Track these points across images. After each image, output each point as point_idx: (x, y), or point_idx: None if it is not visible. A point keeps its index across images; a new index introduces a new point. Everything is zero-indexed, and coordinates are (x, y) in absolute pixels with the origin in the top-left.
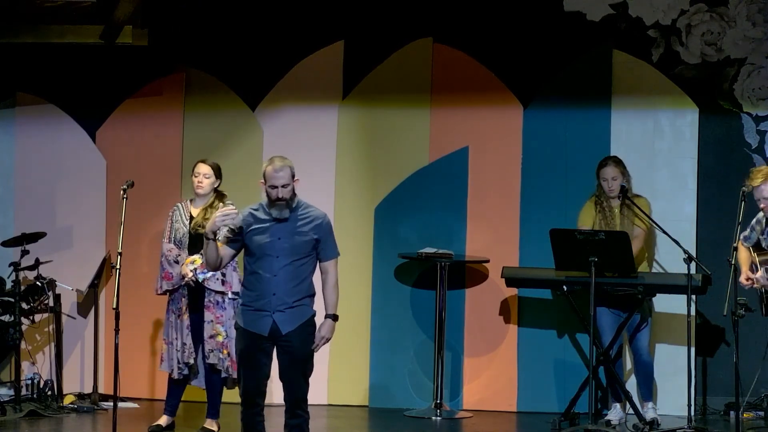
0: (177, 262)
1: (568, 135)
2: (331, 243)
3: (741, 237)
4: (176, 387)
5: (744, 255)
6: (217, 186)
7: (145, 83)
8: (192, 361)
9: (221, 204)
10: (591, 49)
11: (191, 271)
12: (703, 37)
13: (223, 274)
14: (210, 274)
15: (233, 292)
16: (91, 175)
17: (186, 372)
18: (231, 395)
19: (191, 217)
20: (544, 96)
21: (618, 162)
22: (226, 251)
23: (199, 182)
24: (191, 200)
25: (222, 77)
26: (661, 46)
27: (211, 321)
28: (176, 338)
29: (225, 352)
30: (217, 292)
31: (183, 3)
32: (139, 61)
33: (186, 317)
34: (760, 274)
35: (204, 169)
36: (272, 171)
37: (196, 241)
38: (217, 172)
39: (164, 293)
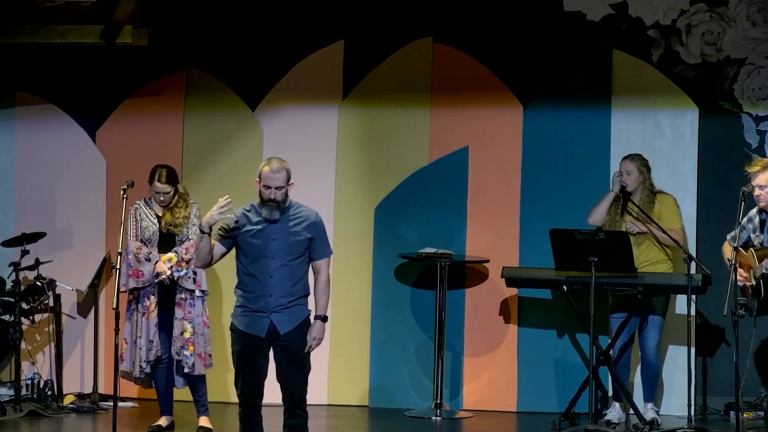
0: (149, 260)
1: (568, 135)
2: (324, 242)
3: (728, 237)
4: (164, 387)
5: (730, 254)
6: (176, 188)
7: (145, 83)
8: (154, 359)
9: (184, 202)
10: (591, 49)
11: (168, 268)
12: (703, 37)
13: (195, 273)
14: (184, 272)
15: (201, 290)
16: (91, 175)
17: (148, 370)
18: (228, 395)
19: (158, 216)
20: (544, 96)
21: (635, 158)
22: (217, 249)
23: (161, 200)
24: (150, 198)
25: (222, 77)
26: (661, 46)
27: (181, 318)
28: (140, 336)
29: (191, 348)
30: (187, 289)
31: (183, 3)
32: (139, 61)
33: (155, 315)
34: (766, 261)
35: (164, 188)
36: (269, 171)
37: (166, 240)
38: (174, 180)
39: (127, 291)
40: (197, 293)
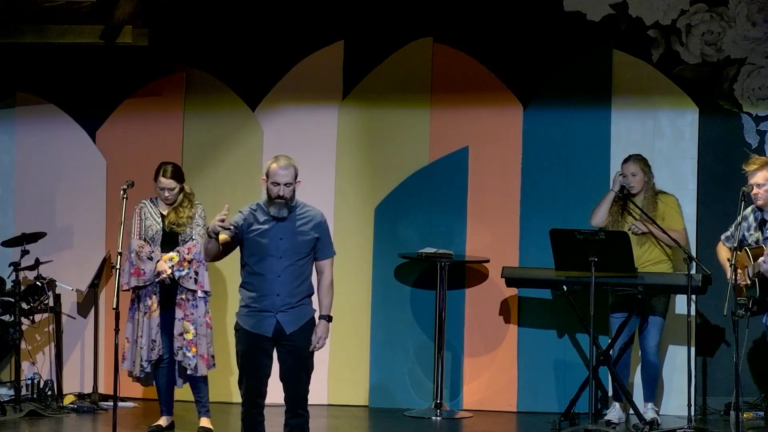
0: (150, 259)
1: (568, 135)
2: (329, 242)
3: (722, 237)
4: (165, 388)
5: (725, 255)
6: (182, 186)
7: (145, 83)
8: (156, 359)
9: (189, 202)
10: (591, 49)
11: (169, 267)
12: (703, 37)
13: (196, 273)
14: (186, 272)
15: (203, 291)
16: (91, 175)
17: (149, 370)
18: (229, 395)
19: (162, 216)
20: (544, 96)
21: (639, 159)
22: (224, 247)
23: (166, 196)
24: (156, 198)
25: (222, 77)
26: (661, 46)
27: (182, 318)
28: (141, 336)
29: (193, 350)
30: (189, 290)
31: (183, 3)
32: (139, 61)
33: (157, 314)
34: (762, 258)
35: (168, 183)
36: (277, 168)
37: (169, 239)
38: (180, 177)
39: (132, 290)
40: (200, 294)
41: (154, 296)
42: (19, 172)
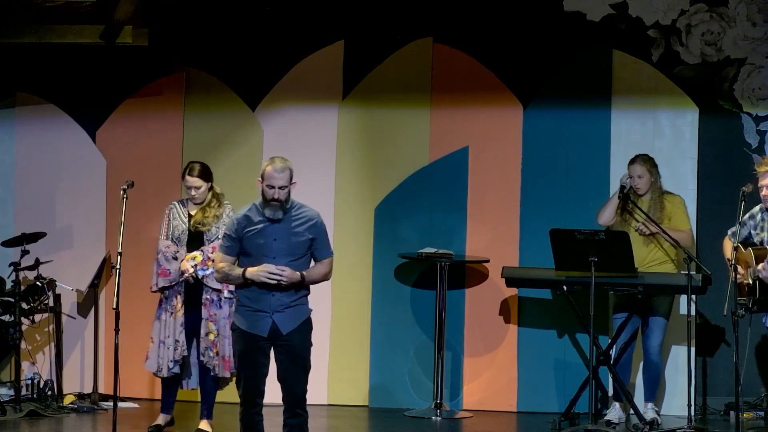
0: (176, 259)
1: (568, 135)
2: (325, 243)
3: (729, 233)
4: (170, 385)
5: (730, 252)
6: (211, 186)
7: (145, 83)
8: (180, 359)
9: (218, 201)
10: (591, 49)
11: (192, 267)
12: (703, 37)
13: None
14: (210, 271)
15: (229, 291)
16: (91, 175)
17: (176, 370)
18: (228, 395)
19: (189, 216)
20: (544, 96)
21: (646, 160)
22: (227, 260)
23: (193, 195)
24: (187, 199)
25: (222, 77)
26: (661, 46)
27: (206, 319)
28: (168, 336)
29: (215, 351)
30: (214, 289)
31: (183, 3)
32: (139, 61)
33: (181, 314)
34: (761, 266)
35: (194, 182)
36: (272, 171)
37: (195, 239)
38: (207, 176)
39: (159, 290)
40: (225, 294)
41: (179, 296)
42: (19, 172)
